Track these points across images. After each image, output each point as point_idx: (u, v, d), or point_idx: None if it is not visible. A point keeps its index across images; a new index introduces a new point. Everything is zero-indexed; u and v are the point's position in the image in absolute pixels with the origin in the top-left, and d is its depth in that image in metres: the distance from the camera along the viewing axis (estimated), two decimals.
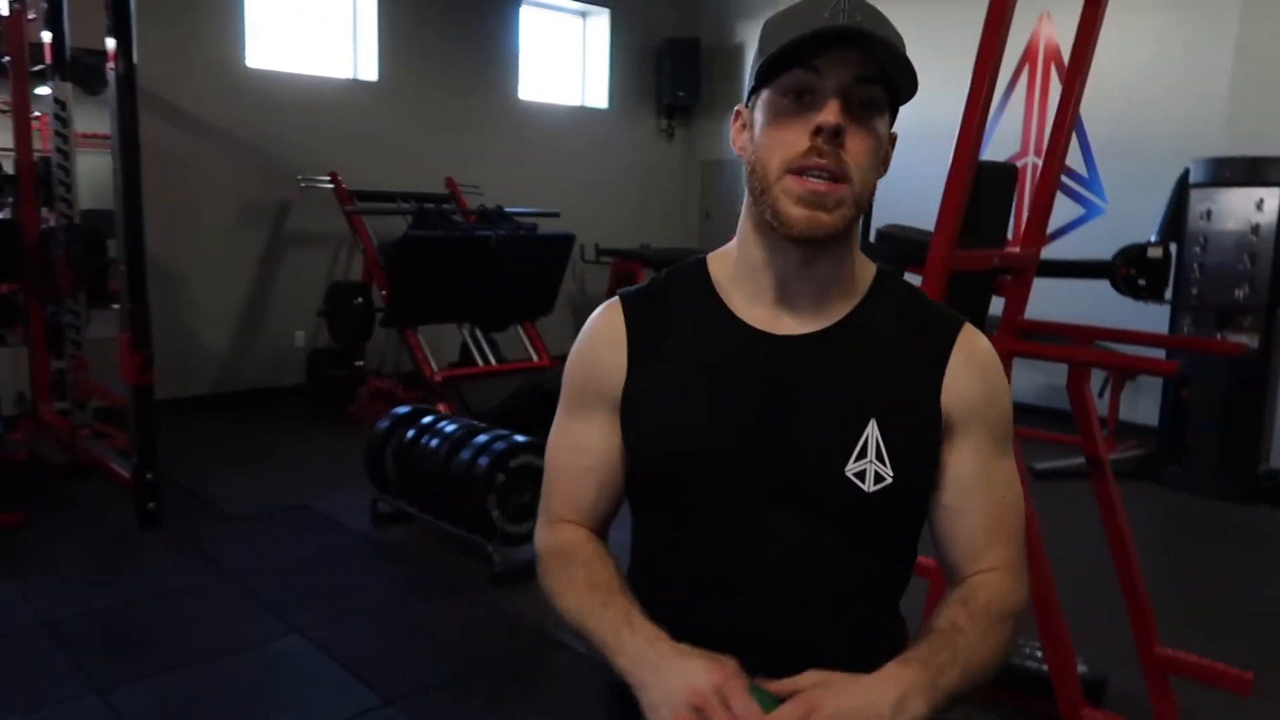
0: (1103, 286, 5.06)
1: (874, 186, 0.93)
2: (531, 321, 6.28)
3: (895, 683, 0.84)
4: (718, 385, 0.98)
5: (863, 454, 0.93)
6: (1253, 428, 4.80)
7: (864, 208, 0.92)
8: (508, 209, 6.23)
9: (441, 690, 2.78)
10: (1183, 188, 4.95)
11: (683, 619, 0.96)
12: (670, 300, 1.04)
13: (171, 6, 5.62)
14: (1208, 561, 4.04)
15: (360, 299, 6.00)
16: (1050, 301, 3.50)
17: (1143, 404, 5.53)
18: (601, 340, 1.04)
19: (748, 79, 0.97)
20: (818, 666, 0.86)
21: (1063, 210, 5.90)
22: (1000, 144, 6.29)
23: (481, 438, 3.68)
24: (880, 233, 2.90)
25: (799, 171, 0.89)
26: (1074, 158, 5.88)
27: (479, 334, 6.07)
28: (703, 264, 1.06)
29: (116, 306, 4.13)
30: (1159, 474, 5.03)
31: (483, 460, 3.56)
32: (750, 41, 8.09)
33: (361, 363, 6.16)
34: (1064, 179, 5.55)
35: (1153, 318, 5.18)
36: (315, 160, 6.20)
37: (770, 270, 0.98)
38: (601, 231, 7.72)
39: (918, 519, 1.02)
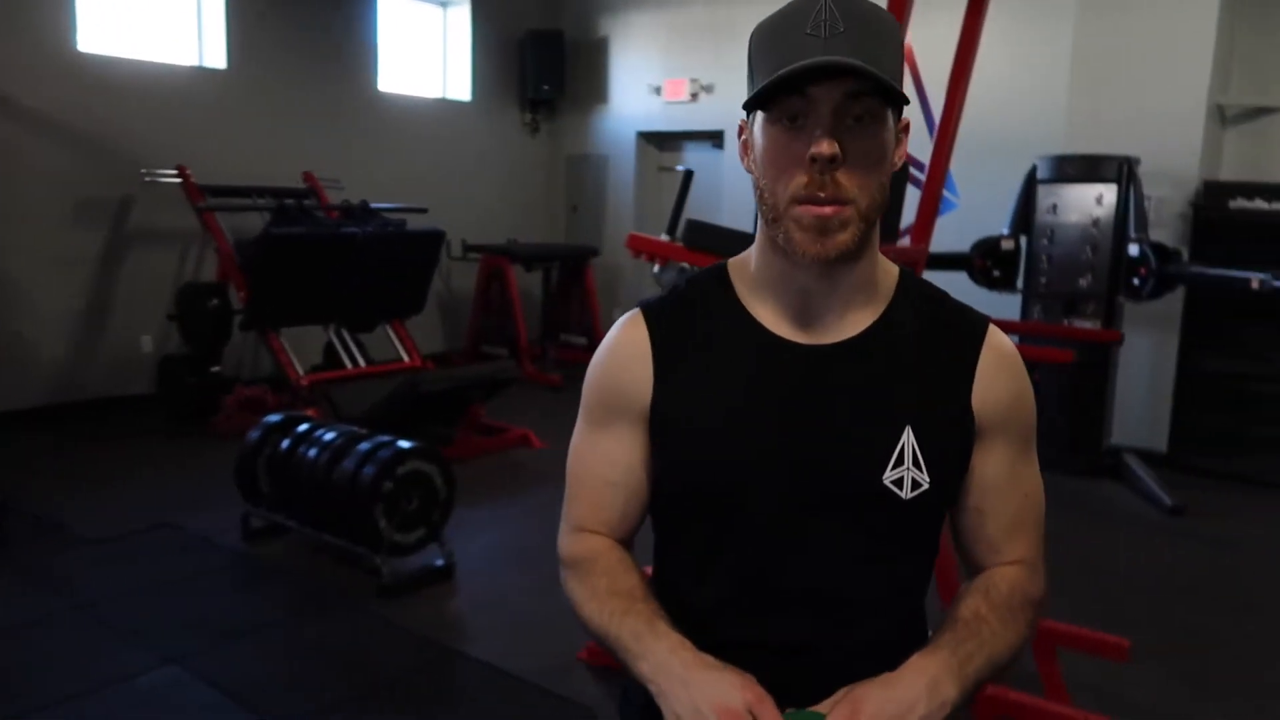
0: (959, 277, 5.35)
1: (886, 188, 0.92)
2: (401, 321, 6.09)
3: (923, 672, 0.86)
4: (750, 398, 0.97)
5: (899, 461, 0.94)
6: (1096, 408, 5.17)
7: (875, 217, 0.92)
8: (373, 204, 6.01)
9: (338, 713, 2.65)
10: (1030, 184, 5.26)
11: (713, 634, 0.95)
12: (694, 311, 1.02)
13: None
14: (1062, 534, 4.30)
15: (216, 300, 5.65)
16: None
17: None
18: (625, 354, 1.02)
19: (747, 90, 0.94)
20: (853, 676, 0.88)
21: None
22: None
23: (364, 445, 3.53)
24: (690, 223, 2.95)
25: (804, 201, 0.89)
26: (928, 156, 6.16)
27: (345, 335, 5.84)
28: (724, 272, 1.04)
29: None
30: None
31: (368, 469, 3.41)
32: (614, 35, 8.10)
33: (219, 368, 5.80)
34: (919, 175, 5.83)
35: (1006, 306, 5.49)
36: (160, 153, 5.79)
37: (791, 283, 0.97)
38: (468, 227, 7.56)
39: (941, 526, 1.04)
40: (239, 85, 6.31)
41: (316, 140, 6.72)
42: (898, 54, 0.90)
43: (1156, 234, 4.92)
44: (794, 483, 0.95)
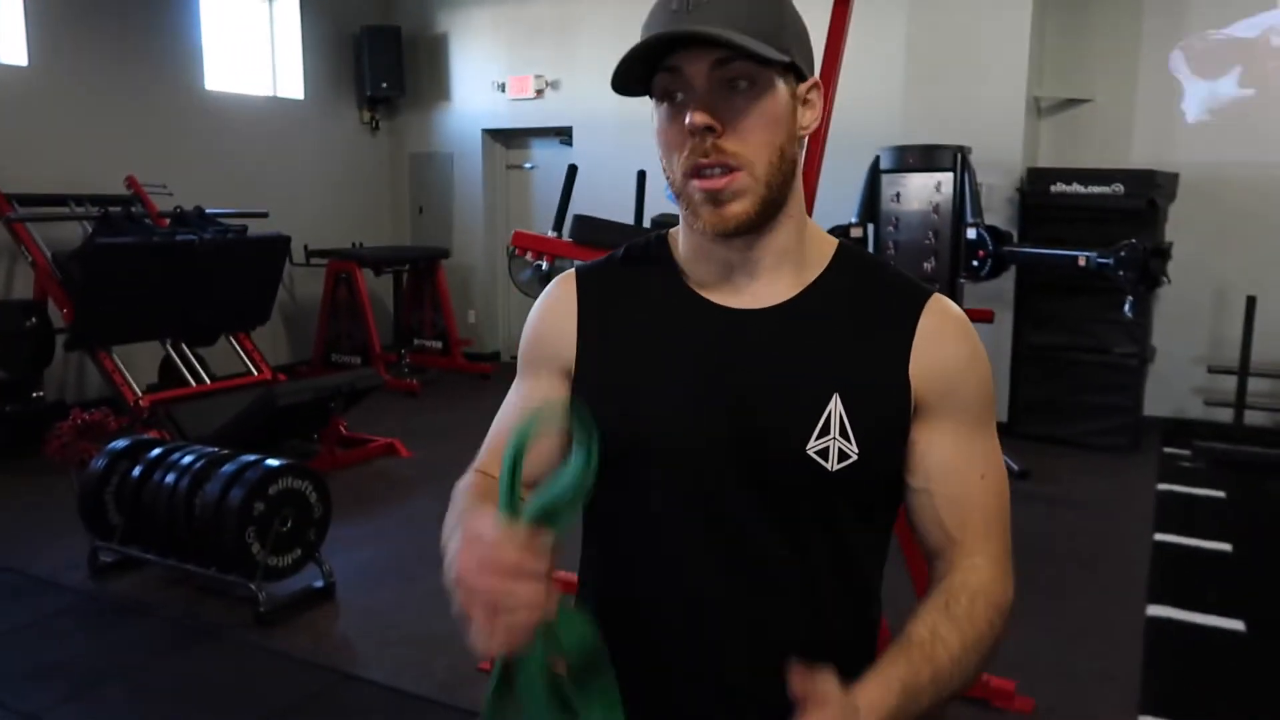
0: None
1: (786, 153, 0.89)
2: (246, 332, 5.75)
3: (875, 714, 0.78)
4: (670, 361, 0.95)
5: (825, 431, 0.89)
6: None
7: (776, 183, 0.89)
8: (209, 210, 5.64)
9: None
10: (874, 173, 5.51)
11: (627, 589, 0.95)
12: (627, 275, 1.01)
13: None
14: None
15: (34, 319, 5.16)
16: None
17: None
18: (553, 310, 1.02)
19: None
20: (788, 653, 0.79)
21: None
22: None
23: (229, 467, 3.30)
24: (578, 219, 2.97)
25: (695, 173, 0.88)
26: None
27: (185, 349, 5.46)
28: (663, 239, 1.02)
29: None
30: None
31: (235, 491, 3.20)
32: (453, 31, 7.92)
33: (41, 393, 5.30)
34: None
35: None
36: None
37: (713, 253, 0.95)
38: (309, 231, 7.21)
39: (890, 499, 0.97)
40: (46, 84, 5.77)
41: (139, 143, 6.23)
42: (775, 15, 0.88)
43: (989, 218, 5.25)
44: (714, 451, 0.92)
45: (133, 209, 5.43)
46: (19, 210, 5.14)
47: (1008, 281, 5.51)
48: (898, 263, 5.39)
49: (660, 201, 3.37)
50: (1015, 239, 5.31)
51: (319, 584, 3.41)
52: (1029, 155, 5.65)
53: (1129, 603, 3.39)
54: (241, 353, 5.71)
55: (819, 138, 2.63)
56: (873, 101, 6.02)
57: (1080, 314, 5.43)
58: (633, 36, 0.87)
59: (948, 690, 0.85)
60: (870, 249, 5.51)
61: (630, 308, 0.99)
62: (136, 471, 3.43)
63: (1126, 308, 4.46)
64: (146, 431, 4.60)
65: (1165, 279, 4.68)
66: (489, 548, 0.68)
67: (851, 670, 0.80)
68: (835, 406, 0.90)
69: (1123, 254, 4.33)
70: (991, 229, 5.06)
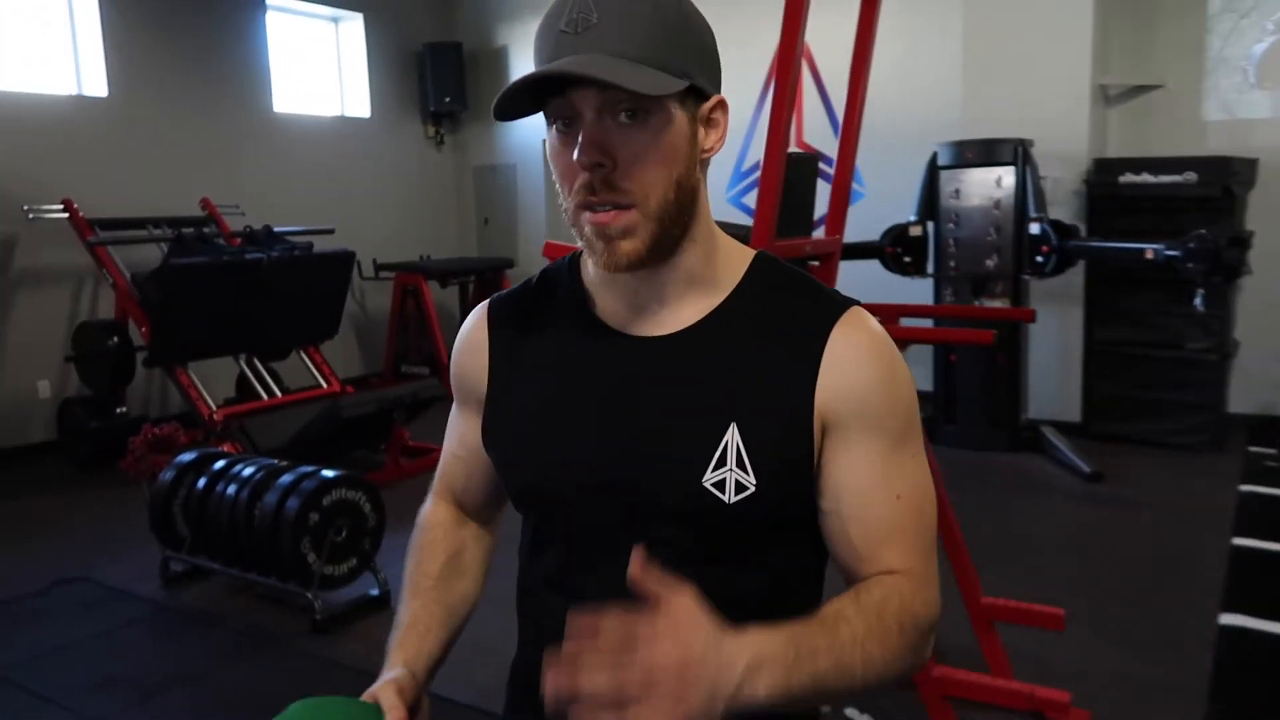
0: (873, 266, 5.45)
1: (684, 181, 0.86)
2: (315, 346, 5.92)
3: (749, 649, 0.73)
4: (568, 394, 0.95)
5: (722, 462, 0.86)
6: (1012, 384, 5.32)
7: (670, 217, 0.86)
8: (277, 229, 5.83)
9: None
10: (932, 169, 5.39)
11: (544, 609, 0.98)
12: (536, 302, 1.01)
13: None
14: (988, 508, 4.43)
15: (116, 339, 5.41)
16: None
17: (916, 371, 5.99)
18: (466, 344, 1.04)
19: None
20: None
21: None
22: (762, 137, 6.60)
23: (286, 478, 3.41)
24: None
25: (586, 207, 0.86)
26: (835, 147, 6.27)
27: (258, 364, 5.65)
28: (576, 262, 1.01)
29: None
30: (935, 434, 5.46)
31: (292, 502, 3.29)
32: (513, 44, 8.03)
33: (124, 409, 5.55)
34: (826, 168, 5.93)
35: (919, 291, 5.63)
36: (43, 188, 5.51)
37: (618, 279, 0.93)
38: (378, 246, 7.39)
39: (803, 529, 0.93)
40: (124, 113, 6.05)
41: (212, 166, 6.49)
42: (674, 35, 0.84)
43: (1054, 212, 5.10)
44: (613, 484, 0.90)
45: (205, 230, 5.64)
46: (100, 234, 5.40)
47: (1077, 276, 5.33)
48: (959, 261, 5.29)
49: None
50: (1082, 233, 5.14)
51: (374, 592, 3.49)
52: (1096, 146, 5.45)
53: (1200, 611, 3.24)
54: (311, 366, 5.88)
55: (850, 140, 2.59)
56: (929, 97, 5.91)
57: (1154, 308, 5.22)
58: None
59: (849, 670, 0.79)
60: (930, 246, 5.40)
61: (537, 340, 0.99)
62: (201, 483, 3.56)
63: (1197, 301, 4.28)
64: (220, 444, 4.77)
65: (1246, 270, 4.47)
66: None
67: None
68: (732, 436, 0.87)
69: (1192, 245, 4.15)
70: (1056, 223, 4.91)
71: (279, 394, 5.55)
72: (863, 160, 6.41)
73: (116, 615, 3.49)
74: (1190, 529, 4.08)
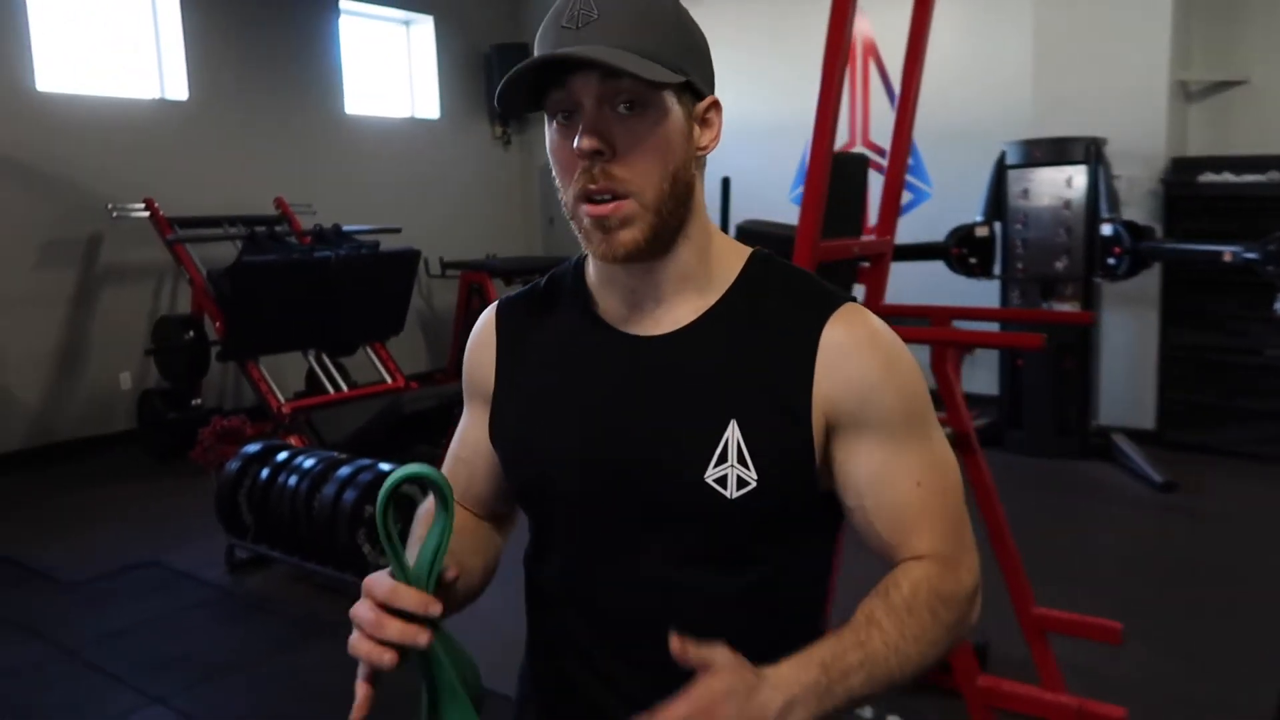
0: (933, 266, 5.35)
1: (680, 175, 0.88)
2: (381, 342, 6.05)
3: (785, 689, 0.77)
4: (576, 396, 0.96)
5: (723, 458, 0.88)
6: (1081, 389, 5.16)
7: (667, 209, 0.88)
8: (346, 227, 5.97)
9: None
10: (1000, 169, 5.26)
11: (554, 609, 1.00)
12: (544, 303, 1.03)
13: None
14: (1051, 516, 4.31)
15: (192, 333, 5.61)
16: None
17: (981, 375, 5.86)
18: (476, 344, 1.06)
19: None
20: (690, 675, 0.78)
21: None
22: None
23: (345, 470, 3.49)
24: (740, 229, 2.94)
25: (585, 198, 0.87)
26: None
27: (326, 360, 5.80)
28: (581, 264, 1.02)
29: None
30: (1001, 439, 5.34)
31: (349, 494, 3.38)
32: None
33: (199, 401, 5.75)
34: (883, 164, 5.85)
35: (985, 293, 5.50)
36: (126, 188, 5.74)
37: (615, 276, 0.95)
38: (445, 245, 7.52)
39: (805, 520, 0.94)
40: (202, 115, 6.27)
41: (286, 166, 6.68)
42: (671, 33, 0.87)
43: (1129, 213, 4.93)
44: (614, 483, 0.92)
45: (277, 228, 5.81)
46: (178, 232, 5.60)
47: (1152, 279, 5.15)
48: (1027, 263, 5.16)
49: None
50: (1158, 234, 4.96)
51: None
52: (1175, 144, 5.26)
53: (1272, 630, 3.11)
54: (377, 362, 6.01)
55: (902, 139, 2.54)
56: (997, 95, 5.78)
57: (1232, 312, 5.01)
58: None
59: (885, 676, 0.82)
60: (998, 248, 5.28)
61: (542, 340, 1.01)
62: (264, 474, 3.67)
63: (1278, 305, 4.09)
64: (288, 436, 4.92)
65: None
66: (375, 596, 0.81)
67: None
68: (733, 433, 0.89)
69: (1272, 247, 3.97)
70: (1129, 224, 4.75)
71: (345, 388, 5.69)
72: (929, 160, 6.36)
73: (183, 599, 3.62)
74: (1265, 543, 3.91)
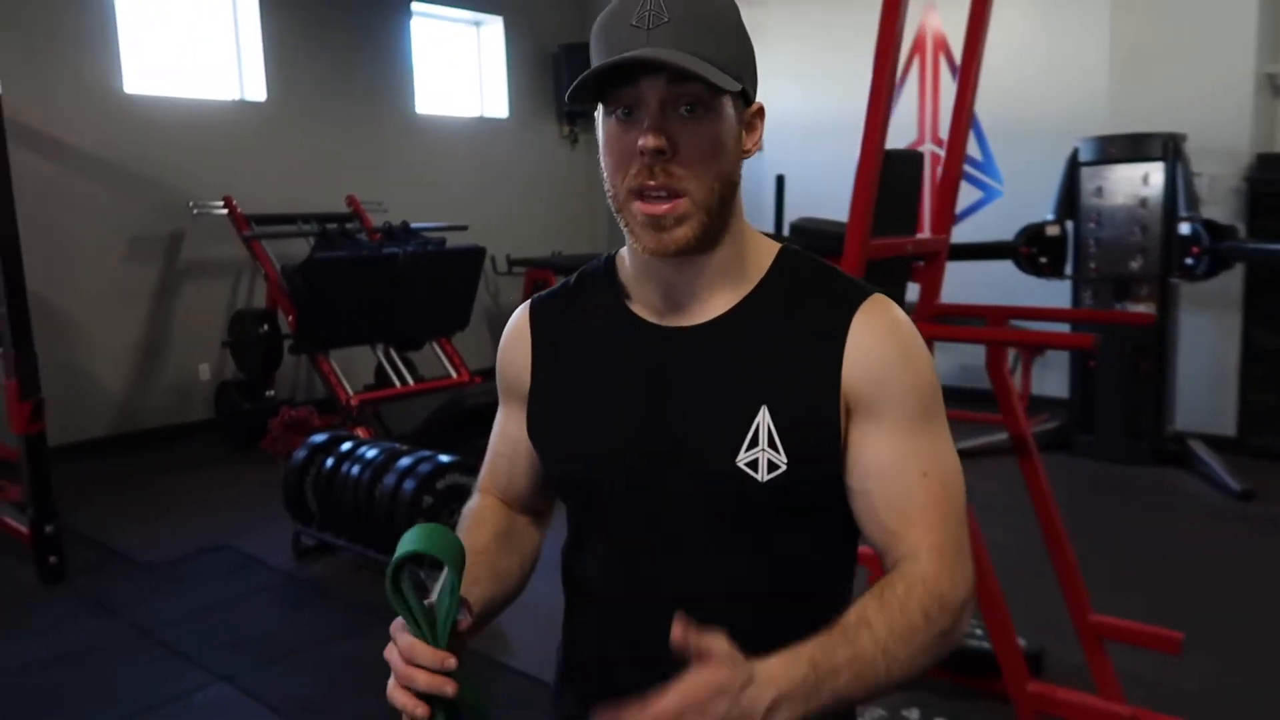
0: (1006, 266, 5.23)
1: (730, 177, 0.93)
2: (447, 337, 6.16)
3: (770, 690, 0.77)
4: (606, 385, 1.00)
5: (754, 443, 0.91)
6: (1156, 393, 5.00)
7: (718, 207, 0.92)
8: (414, 225, 6.10)
9: None
10: (1073, 166, 5.12)
11: (593, 596, 1.03)
12: (576, 300, 1.06)
13: (39, 34, 5.34)
14: (1121, 524, 4.19)
15: (266, 326, 5.80)
16: (957, 283, 3.56)
17: (1052, 377, 5.71)
18: (510, 341, 1.09)
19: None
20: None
21: (962, 194, 6.06)
22: (898, 133, 6.42)
23: (405, 461, 3.58)
24: (794, 227, 2.93)
25: (639, 194, 0.90)
26: (970, 143, 6.05)
27: (394, 354, 5.93)
28: (612, 261, 1.06)
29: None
30: (1071, 443, 5.20)
31: (408, 484, 3.46)
32: None
33: (272, 392, 5.94)
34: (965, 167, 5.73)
35: (1055, 293, 5.36)
36: (207, 186, 5.96)
37: (655, 272, 0.98)
38: (512, 242, 7.63)
39: (833, 504, 0.96)
40: (280, 115, 6.47)
41: (358, 164, 6.85)
42: (732, 42, 0.91)
43: (1210, 211, 4.76)
44: (650, 471, 0.95)
45: (348, 225, 5.96)
46: (255, 229, 5.79)
47: (1235, 279, 4.96)
48: (1100, 261, 5.01)
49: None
50: (1241, 233, 4.77)
51: None
52: (1261, 140, 5.05)
53: None
54: (443, 356, 6.13)
55: (959, 135, 2.50)
56: (1071, 90, 5.63)
57: None
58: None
59: (873, 676, 0.83)
60: (1070, 246, 5.14)
61: (576, 336, 1.04)
62: (329, 463, 3.78)
63: None
64: (355, 428, 5.05)
65: None
66: (403, 650, 0.87)
67: None
68: (763, 418, 0.92)
69: None
70: (1209, 223, 4.58)
71: (411, 383, 5.81)
72: (1000, 157, 6.23)
73: (251, 582, 3.75)
74: None
